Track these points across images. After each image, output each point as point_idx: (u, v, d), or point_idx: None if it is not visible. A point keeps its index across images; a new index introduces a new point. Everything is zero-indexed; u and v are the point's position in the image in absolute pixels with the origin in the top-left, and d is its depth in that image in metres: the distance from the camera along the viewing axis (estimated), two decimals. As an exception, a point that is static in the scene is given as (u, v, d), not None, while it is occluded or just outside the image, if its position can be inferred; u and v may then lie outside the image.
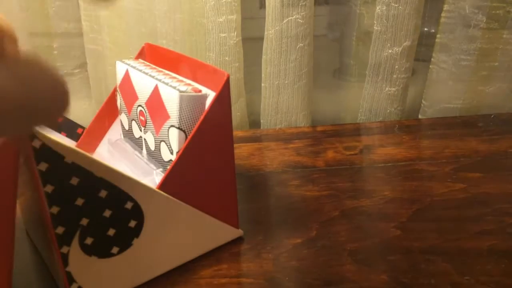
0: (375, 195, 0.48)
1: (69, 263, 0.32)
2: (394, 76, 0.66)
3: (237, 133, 0.65)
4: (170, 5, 0.62)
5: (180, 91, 0.35)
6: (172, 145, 0.37)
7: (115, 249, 0.34)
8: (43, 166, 0.28)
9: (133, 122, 0.42)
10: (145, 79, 0.39)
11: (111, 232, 0.33)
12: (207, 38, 0.63)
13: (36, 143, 0.27)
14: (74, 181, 0.30)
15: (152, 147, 0.40)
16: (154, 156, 0.40)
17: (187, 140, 0.35)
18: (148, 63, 0.44)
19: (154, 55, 0.44)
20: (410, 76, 0.68)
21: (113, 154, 0.44)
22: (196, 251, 0.40)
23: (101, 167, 0.31)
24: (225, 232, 0.41)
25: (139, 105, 0.40)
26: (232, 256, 0.41)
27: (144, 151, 0.41)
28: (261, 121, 0.70)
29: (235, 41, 0.62)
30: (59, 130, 0.46)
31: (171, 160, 0.37)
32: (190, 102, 0.36)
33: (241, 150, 0.60)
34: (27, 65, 0.17)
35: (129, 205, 0.33)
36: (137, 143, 0.42)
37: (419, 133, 0.65)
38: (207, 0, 0.60)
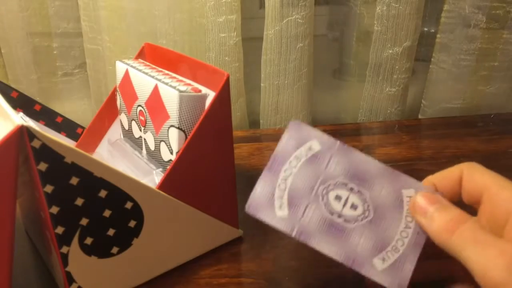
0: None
1: (69, 263, 0.32)
2: (395, 76, 0.66)
3: (237, 133, 0.65)
4: (170, 5, 0.62)
5: (180, 91, 0.35)
6: (172, 145, 0.37)
7: (115, 249, 0.34)
8: (43, 166, 0.28)
9: (133, 122, 0.42)
10: (145, 79, 0.39)
11: (111, 232, 0.33)
12: (207, 38, 0.63)
13: (36, 143, 0.27)
14: (74, 181, 0.30)
15: (152, 147, 0.40)
16: (154, 156, 0.40)
17: (187, 140, 0.35)
18: (148, 63, 0.44)
19: (154, 55, 0.44)
20: (410, 76, 0.68)
21: (113, 154, 0.44)
22: (196, 251, 0.40)
23: (101, 167, 0.31)
24: (225, 232, 0.41)
25: (139, 105, 0.40)
26: (232, 256, 0.41)
27: (144, 151, 0.41)
28: (261, 121, 0.70)
29: (235, 41, 0.62)
30: (59, 130, 0.46)
31: (171, 160, 0.37)
32: (190, 102, 0.36)
33: (241, 150, 0.60)
34: None
35: (129, 205, 0.33)
36: (137, 143, 0.42)
37: (419, 133, 0.65)
38: (207, 0, 0.60)
